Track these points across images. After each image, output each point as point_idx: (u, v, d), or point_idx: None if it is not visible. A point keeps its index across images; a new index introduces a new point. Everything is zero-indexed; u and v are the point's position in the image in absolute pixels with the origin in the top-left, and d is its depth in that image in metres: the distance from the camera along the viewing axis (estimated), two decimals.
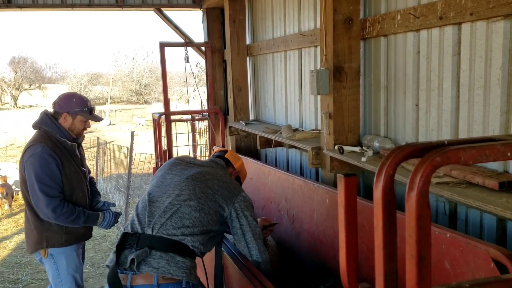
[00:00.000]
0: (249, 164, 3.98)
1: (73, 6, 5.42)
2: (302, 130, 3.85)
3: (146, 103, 37.51)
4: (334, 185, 3.13)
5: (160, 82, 5.93)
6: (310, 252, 2.96)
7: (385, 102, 3.02)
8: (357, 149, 2.95)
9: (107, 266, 2.30)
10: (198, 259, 2.60)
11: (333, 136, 3.12)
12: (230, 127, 5.05)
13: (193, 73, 5.24)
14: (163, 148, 5.10)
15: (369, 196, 3.22)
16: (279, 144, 4.06)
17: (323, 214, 2.81)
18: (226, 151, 2.84)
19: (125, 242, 2.27)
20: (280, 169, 3.49)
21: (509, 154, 1.16)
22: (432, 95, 2.59)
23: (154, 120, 5.46)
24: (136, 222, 2.35)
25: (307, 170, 4.05)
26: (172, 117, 5.32)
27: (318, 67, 3.38)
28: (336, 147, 3.00)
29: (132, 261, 2.16)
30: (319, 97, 3.45)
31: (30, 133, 3.18)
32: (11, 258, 6.85)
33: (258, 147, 4.30)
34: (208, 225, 2.35)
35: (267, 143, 4.15)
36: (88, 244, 6.97)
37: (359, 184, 3.21)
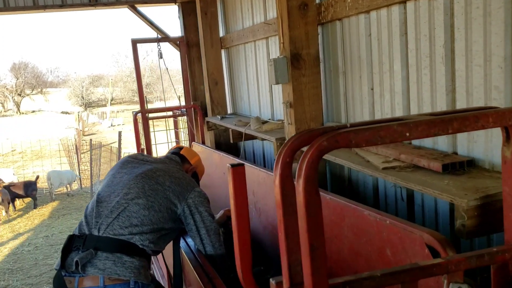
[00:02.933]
0: (222, 159, 3.92)
1: (45, 7, 5.36)
2: (271, 121, 3.78)
3: (148, 102, 37.51)
4: None
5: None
6: (275, 245, 2.90)
7: (344, 87, 2.95)
8: None
9: (56, 269, 2.26)
10: (160, 257, 2.55)
11: (295, 125, 3.05)
12: (207, 122, 4.99)
13: (167, 69, 5.17)
14: (141, 147, 5.05)
15: (337, 186, 3.15)
16: (252, 136, 3.99)
17: None
18: (181, 148, 2.78)
19: (71, 244, 2.23)
20: (249, 162, 3.42)
21: (407, 134, 1.10)
22: (384, 77, 2.51)
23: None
24: (83, 224, 2.30)
25: None
26: (151, 114, 5.27)
27: None
28: None
29: (77, 263, 2.12)
30: None
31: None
32: (3, 264, 6.87)
33: (231, 141, 4.23)
34: (159, 223, 2.29)
35: (240, 136, 4.09)
36: None
37: (325, 173, 3.14)
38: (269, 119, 3.94)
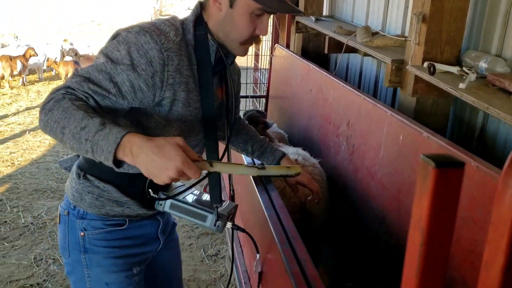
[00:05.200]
0: (311, 72, 3.24)
1: None
2: (384, 35, 2.99)
3: None
4: (415, 115, 2.36)
5: None
6: (368, 196, 2.30)
7: (508, 5, 2.10)
8: (454, 69, 2.12)
9: None
10: None
11: (424, 47, 2.28)
12: (297, 22, 4.22)
13: None
14: None
15: (461, 136, 2.43)
16: (352, 49, 3.24)
17: (393, 153, 2.10)
18: None
19: None
20: (347, 84, 2.73)
21: None
22: None
23: None
24: None
25: (383, 87, 3.24)
26: None
27: None
28: (425, 64, 2.17)
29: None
30: None
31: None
32: None
33: (326, 51, 3.50)
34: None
35: (338, 47, 3.34)
36: None
37: (448, 117, 2.41)
38: (379, 31, 3.13)
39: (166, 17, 1.47)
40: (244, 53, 1.48)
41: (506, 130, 2.10)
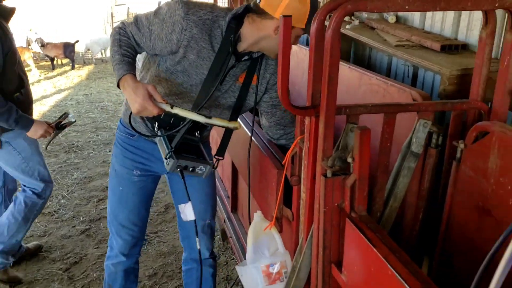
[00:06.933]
0: None
1: None
2: None
3: None
4: None
5: None
6: None
7: None
8: (346, 18, 3.30)
9: None
10: None
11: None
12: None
13: None
14: None
15: (358, 64, 3.63)
16: None
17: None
18: None
19: None
20: None
21: (406, 7, 1.56)
22: None
23: None
24: None
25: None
26: None
27: None
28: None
29: None
30: None
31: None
32: (51, 113, 7.62)
33: None
34: None
35: None
36: None
37: (350, 53, 3.59)
38: None
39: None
40: (276, 57, 1.90)
41: (380, 56, 3.30)
